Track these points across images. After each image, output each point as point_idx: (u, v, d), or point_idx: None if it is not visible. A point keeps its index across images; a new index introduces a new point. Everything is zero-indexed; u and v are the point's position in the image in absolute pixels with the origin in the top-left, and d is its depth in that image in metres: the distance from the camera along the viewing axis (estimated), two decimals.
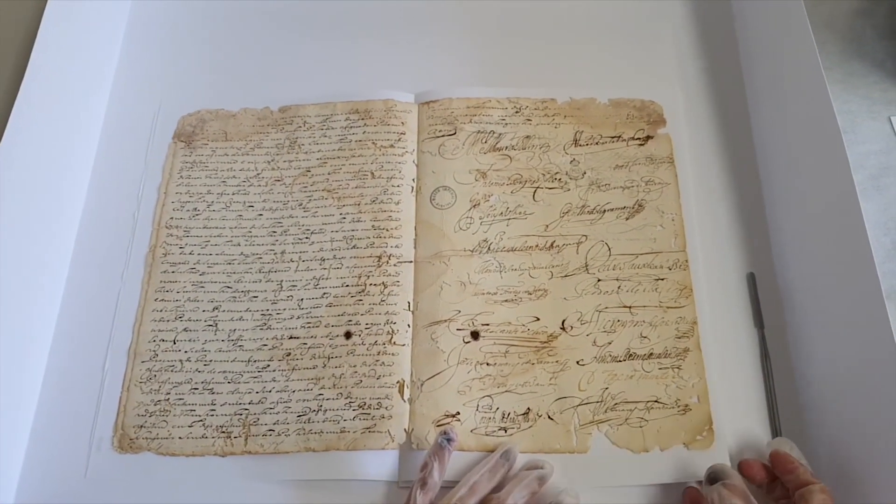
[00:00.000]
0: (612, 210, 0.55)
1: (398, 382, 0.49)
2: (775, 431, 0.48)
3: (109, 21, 0.64)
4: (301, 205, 0.56)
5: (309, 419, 0.48)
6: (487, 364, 0.50)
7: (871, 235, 0.44)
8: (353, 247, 0.54)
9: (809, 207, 0.51)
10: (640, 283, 0.52)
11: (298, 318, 0.52)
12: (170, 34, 0.65)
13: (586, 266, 0.53)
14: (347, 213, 0.55)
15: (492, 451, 0.47)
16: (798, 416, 0.49)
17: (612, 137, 0.57)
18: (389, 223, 0.54)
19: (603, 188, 0.55)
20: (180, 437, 0.49)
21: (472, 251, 0.53)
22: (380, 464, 0.47)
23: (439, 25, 0.64)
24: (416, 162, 0.57)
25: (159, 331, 0.52)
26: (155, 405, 0.50)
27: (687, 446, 0.47)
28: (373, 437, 0.47)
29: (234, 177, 0.57)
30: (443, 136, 0.58)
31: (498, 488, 0.44)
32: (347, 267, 0.53)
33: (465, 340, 0.51)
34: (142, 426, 0.49)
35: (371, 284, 0.52)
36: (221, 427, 0.49)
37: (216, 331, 0.52)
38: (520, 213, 0.55)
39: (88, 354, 0.52)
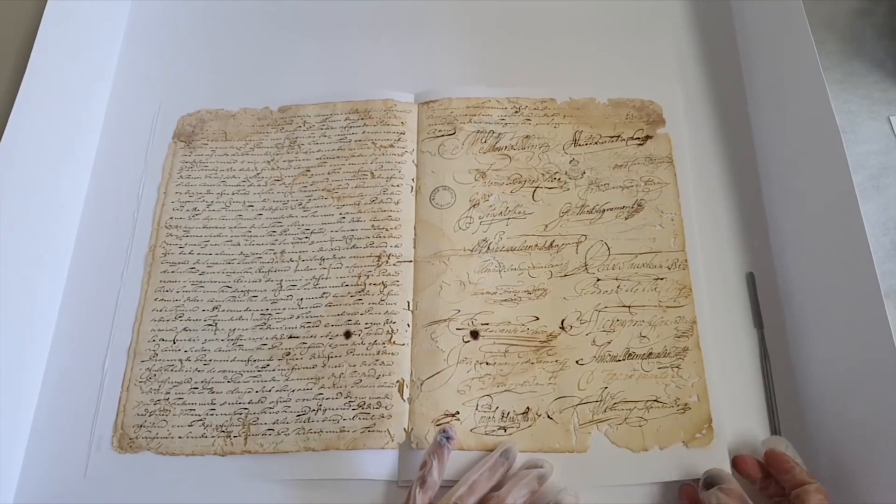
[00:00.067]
0: (611, 210, 0.55)
1: (398, 382, 0.49)
2: (774, 431, 0.48)
3: (109, 21, 0.64)
4: (301, 204, 0.56)
5: (308, 419, 0.48)
6: (487, 363, 0.50)
7: (871, 235, 0.44)
8: (353, 246, 0.54)
9: (809, 207, 0.51)
10: (640, 282, 0.52)
11: (298, 317, 0.52)
12: (170, 34, 0.65)
13: (586, 266, 0.53)
14: (347, 213, 0.55)
15: (491, 451, 0.47)
16: (797, 415, 0.49)
17: (612, 137, 0.57)
18: (389, 223, 0.54)
19: (602, 188, 0.56)
20: (180, 437, 0.49)
21: (471, 251, 0.53)
22: (379, 463, 0.47)
23: (439, 25, 0.64)
24: (415, 162, 0.57)
25: (159, 330, 0.52)
26: (155, 405, 0.50)
27: (686, 445, 0.47)
28: (372, 436, 0.48)
29: (233, 177, 0.57)
30: (442, 135, 0.58)
31: (497, 487, 0.44)
32: (347, 266, 0.53)
33: (465, 340, 0.51)
34: (141, 426, 0.49)
35: (371, 284, 0.52)
36: (221, 426, 0.49)
37: (216, 330, 0.52)
38: (519, 212, 0.55)
39: (88, 354, 0.52)
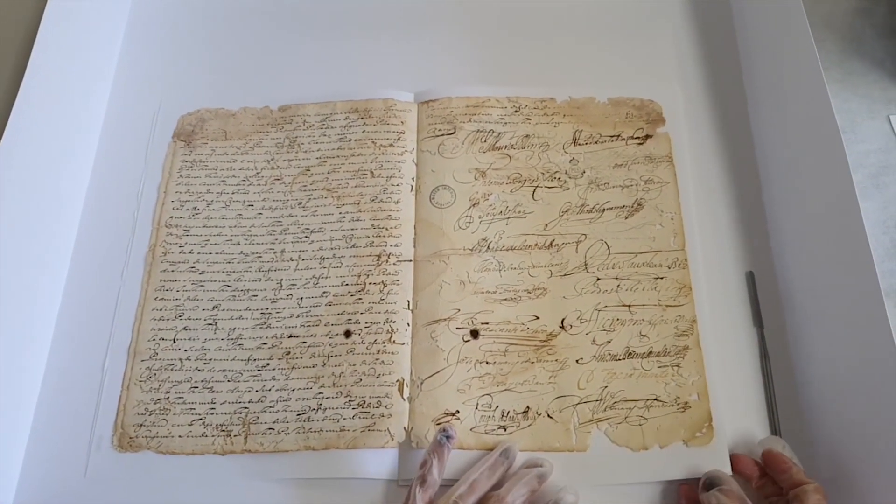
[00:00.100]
0: (611, 209, 0.55)
1: (398, 381, 0.49)
2: (774, 429, 0.48)
3: (109, 21, 0.64)
4: (301, 204, 0.56)
5: (308, 418, 0.48)
6: (487, 363, 0.50)
7: (871, 234, 0.44)
8: (353, 246, 0.54)
9: (809, 206, 0.51)
10: (640, 281, 0.52)
11: (298, 316, 0.52)
12: (170, 33, 0.65)
13: (585, 265, 0.53)
14: (347, 212, 0.55)
15: (491, 450, 0.47)
16: (797, 414, 0.49)
17: (612, 136, 0.57)
18: (389, 222, 0.54)
19: (602, 187, 0.56)
20: (180, 436, 0.49)
21: (471, 250, 0.53)
22: (379, 462, 0.47)
23: (439, 25, 0.64)
24: (415, 161, 0.57)
25: (159, 329, 0.52)
26: (155, 404, 0.50)
27: (686, 443, 0.47)
28: (372, 435, 0.48)
29: (233, 176, 0.57)
30: (442, 135, 0.58)
31: (497, 486, 0.44)
32: (347, 266, 0.53)
33: (465, 339, 0.51)
34: (141, 425, 0.49)
35: (370, 283, 0.52)
36: (221, 426, 0.49)
37: (216, 329, 0.52)
38: (519, 211, 0.55)
39: (88, 353, 0.52)
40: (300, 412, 0.49)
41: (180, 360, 0.51)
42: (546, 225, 0.54)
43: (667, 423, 0.48)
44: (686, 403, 0.48)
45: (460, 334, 0.51)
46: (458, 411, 0.48)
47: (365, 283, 0.52)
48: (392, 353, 0.50)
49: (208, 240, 0.55)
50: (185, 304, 0.53)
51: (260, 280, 0.53)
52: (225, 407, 0.49)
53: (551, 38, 0.63)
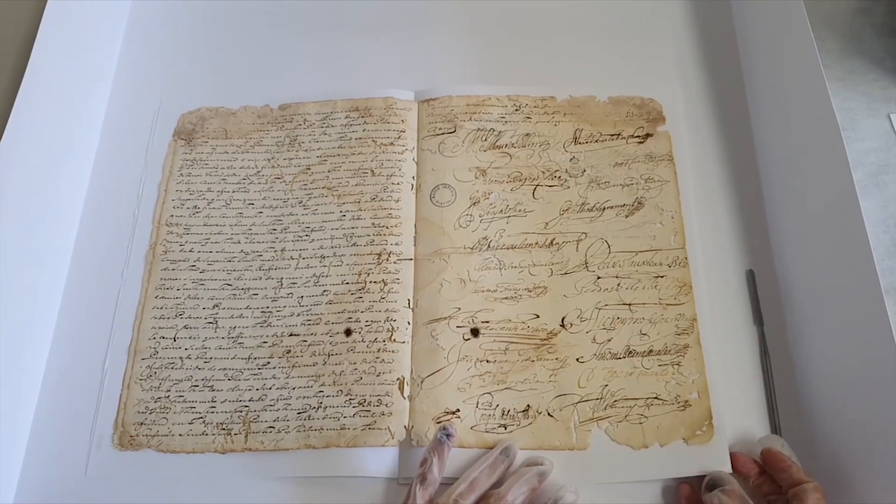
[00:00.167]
0: (611, 207, 0.55)
1: (398, 379, 0.49)
2: (774, 428, 0.48)
3: (109, 20, 0.64)
4: (301, 202, 0.56)
5: (309, 416, 0.48)
6: (487, 361, 0.50)
7: (871, 233, 0.44)
8: (353, 244, 0.54)
9: (809, 205, 0.51)
10: (640, 280, 0.52)
11: (298, 315, 0.52)
12: (170, 32, 0.65)
13: (586, 263, 0.53)
14: (347, 211, 0.55)
15: (491, 448, 0.47)
16: (797, 412, 0.49)
17: (612, 135, 0.57)
18: (389, 221, 0.54)
19: (602, 186, 0.56)
20: (180, 435, 0.49)
21: (471, 248, 0.53)
22: (380, 461, 0.47)
23: (439, 24, 0.64)
24: (415, 159, 0.57)
25: (159, 328, 0.52)
26: (155, 402, 0.50)
27: (686, 441, 0.47)
28: (373, 434, 0.48)
29: (234, 174, 0.57)
30: (443, 133, 0.58)
31: (498, 485, 0.44)
32: (347, 264, 0.53)
33: (465, 338, 0.51)
34: (142, 423, 0.49)
35: (371, 282, 0.52)
36: (222, 424, 0.49)
37: (216, 328, 0.52)
38: (519, 210, 0.55)
39: (89, 352, 0.52)
40: (301, 411, 0.49)
41: (181, 358, 0.51)
42: (546, 223, 0.54)
43: (667, 421, 0.48)
44: (686, 402, 0.48)
45: (461, 333, 0.51)
46: (458, 410, 0.48)
47: (365, 282, 0.52)
48: (392, 351, 0.50)
49: (209, 238, 0.55)
50: (185, 303, 0.53)
51: (260, 278, 0.53)
52: (225, 405, 0.49)
53: (551, 37, 0.63)
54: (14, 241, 0.50)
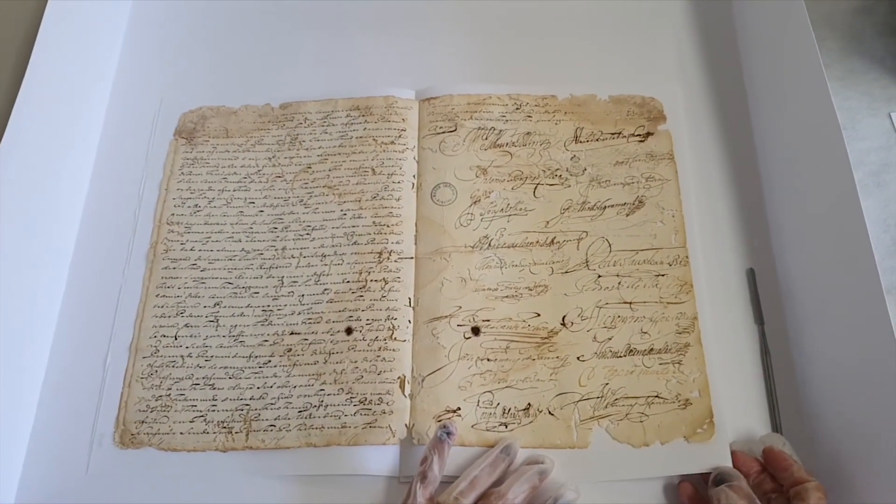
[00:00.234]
0: (612, 206, 0.55)
1: (399, 378, 0.49)
2: (775, 426, 0.48)
3: (109, 20, 0.64)
4: (302, 201, 0.56)
5: (310, 414, 0.48)
6: (488, 360, 0.50)
7: (872, 232, 0.44)
8: (354, 243, 0.54)
9: (809, 204, 0.51)
10: (641, 279, 0.52)
11: (299, 313, 0.52)
12: (170, 31, 0.65)
13: (587, 262, 0.53)
14: (348, 210, 0.55)
15: (492, 447, 0.47)
16: (798, 411, 0.49)
17: (613, 134, 0.57)
18: (390, 219, 0.54)
19: (603, 184, 0.56)
20: (181, 433, 0.49)
21: (472, 247, 0.54)
22: (380, 459, 0.47)
23: (440, 22, 0.64)
24: (416, 158, 0.57)
25: (160, 327, 0.52)
26: (156, 401, 0.50)
27: (687, 439, 0.47)
28: (374, 432, 0.48)
29: (234, 173, 0.57)
30: (443, 132, 0.58)
31: (498, 483, 0.44)
32: (348, 263, 0.53)
33: (466, 336, 0.51)
34: (143, 422, 0.49)
35: (372, 280, 0.52)
36: (222, 422, 0.49)
37: (217, 326, 0.52)
38: (520, 209, 0.55)
39: (89, 351, 0.52)
40: (301, 409, 0.49)
41: (182, 356, 0.51)
42: (547, 222, 0.54)
43: (668, 419, 0.48)
44: (687, 400, 0.48)
45: (461, 331, 0.51)
46: (459, 408, 0.48)
47: (366, 281, 0.52)
48: (393, 350, 0.50)
49: (209, 237, 0.55)
50: (186, 302, 0.53)
51: (261, 277, 0.53)
52: (226, 404, 0.49)
53: (552, 36, 0.63)
54: (15, 241, 0.50)
